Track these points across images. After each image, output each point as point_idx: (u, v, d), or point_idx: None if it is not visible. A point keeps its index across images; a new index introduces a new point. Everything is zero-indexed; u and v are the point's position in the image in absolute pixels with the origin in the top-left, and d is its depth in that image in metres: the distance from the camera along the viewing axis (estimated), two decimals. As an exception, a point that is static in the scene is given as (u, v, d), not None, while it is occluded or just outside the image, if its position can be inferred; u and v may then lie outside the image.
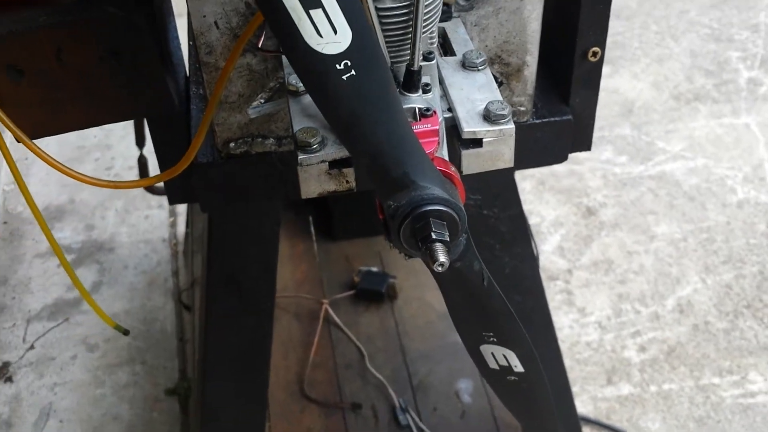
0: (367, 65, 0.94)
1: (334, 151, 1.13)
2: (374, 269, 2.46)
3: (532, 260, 1.98)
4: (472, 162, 1.19)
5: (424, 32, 1.13)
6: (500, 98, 1.19)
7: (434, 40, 1.18)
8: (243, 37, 1.22)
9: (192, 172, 1.40)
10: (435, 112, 1.12)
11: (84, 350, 2.64)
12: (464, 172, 1.20)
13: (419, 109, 1.11)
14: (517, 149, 1.37)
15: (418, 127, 1.09)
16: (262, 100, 1.32)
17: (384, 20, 1.10)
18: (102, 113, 1.33)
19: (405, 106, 1.11)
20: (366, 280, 2.43)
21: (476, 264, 1.13)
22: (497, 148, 1.18)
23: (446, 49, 1.33)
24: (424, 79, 1.16)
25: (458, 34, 1.34)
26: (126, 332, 2.04)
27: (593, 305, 2.73)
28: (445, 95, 1.23)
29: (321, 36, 0.90)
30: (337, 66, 0.92)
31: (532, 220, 2.91)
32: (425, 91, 1.16)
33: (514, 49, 1.41)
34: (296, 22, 0.89)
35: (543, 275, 2.76)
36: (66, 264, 1.38)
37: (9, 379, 2.57)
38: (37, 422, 2.50)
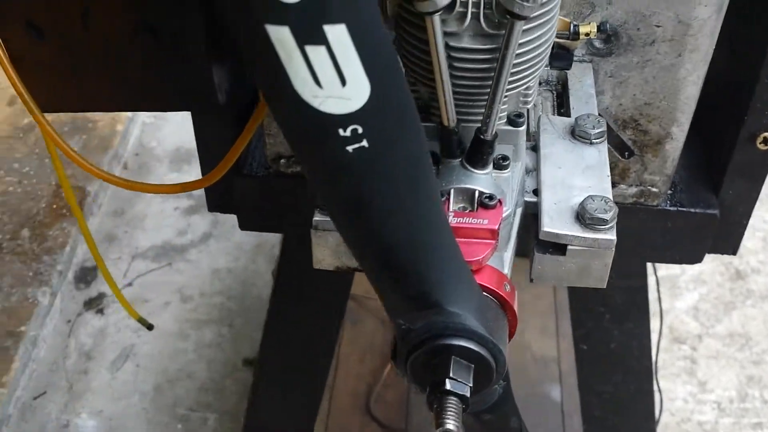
0: (387, 137, 0.57)
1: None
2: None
3: (646, 339, 1.57)
4: (547, 271, 0.81)
5: (511, 89, 0.75)
6: (607, 192, 0.80)
7: (530, 98, 0.80)
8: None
9: (233, 183, 1.08)
10: (501, 202, 0.74)
11: (178, 299, 2.42)
12: (533, 280, 0.82)
13: (480, 194, 0.74)
14: (638, 237, 0.98)
15: (468, 221, 0.72)
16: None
17: (457, 64, 0.73)
18: (130, 98, 1.02)
19: (462, 187, 0.74)
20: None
21: (514, 420, 0.75)
22: (586, 261, 0.79)
23: (562, 102, 0.94)
24: (502, 151, 0.78)
25: (582, 85, 0.94)
26: (150, 327, 1.78)
27: (717, 381, 2.26)
28: (535, 170, 0.84)
29: (320, 86, 0.53)
30: (341, 132, 0.55)
31: (671, 270, 2.45)
32: (500, 167, 0.78)
33: (657, 114, 1.00)
34: (283, 59, 0.52)
35: (668, 335, 2.31)
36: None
37: (100, 311, 2.38)
38: (115, 361, 2.30)
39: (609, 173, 0.83)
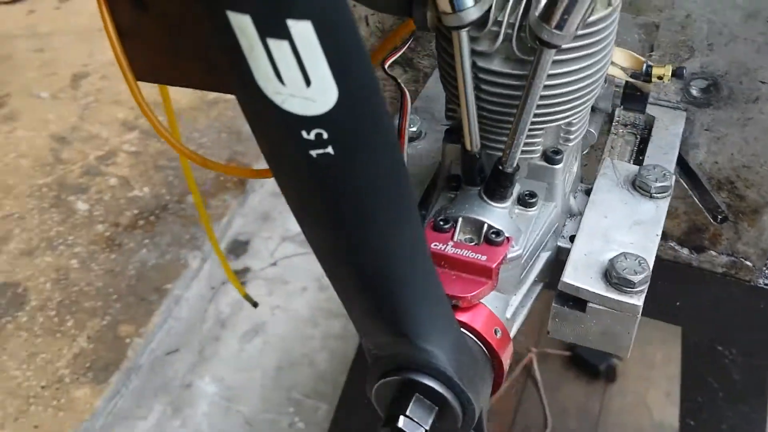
0: (355, 147, 0.53)
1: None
2: (603, 340, 1.98)
3: (761, 427, 1.43)
4: (565, 327, 0.74)
5: (546, 122, 0.70)
6: (648, 253, 0.72)
7: (573, 135, 0.73)
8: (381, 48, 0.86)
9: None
10: (508, 240, 0.69)
11: (315, 287, 2.46)
12: (550, 334, 0.76)
13: (488, 228, 0.69)
14: (720, 312, 0.90)
15: (466, 254, 0.67)
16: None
17: (484, 86, 0.68)
18: (218, 80, 1.04)
19: (470, 217, 0.69)
20: (589, 348, 1.96)
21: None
22: (608, 324, 0.72)
23: (642, 148, 0.87)
24: (531, 186, 0.73)
25: (668, 134, 0.86)
26: (255, 304, 1.80)
27: None
28: (579, 215, 0.78)
29: (282, 83, 0.50)
30: (305, 134, 0.52)
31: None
32: (525, 204, 0.72)
33: (757, 180, 0.90)
34: (244, 49, 0.50)
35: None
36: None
37: (243, 284, 2.47)
38: (246, 334, 2.37)
39: (660, 234, 0.75)
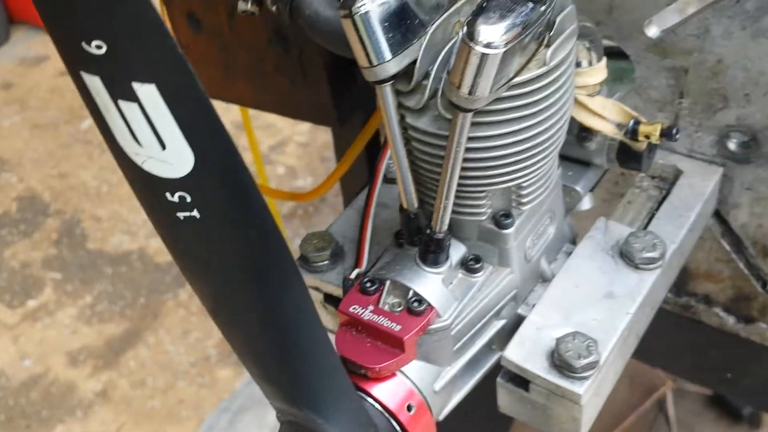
0: (220, 211, 0.51)
1: (339, 280, 0.72)
2: (747, 382, 1.81)
3: None
4: (512, 404, 0.68)
5: (491, 184, 0.63)
6: (611, 334, 0.64)
7: (526, 198, 0.65)
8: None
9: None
10: (431, 310, 0.63)
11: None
12: (500, 409, 0.69)
13: (413, 295, 0.64)
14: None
15: (381, 321, 0.63)
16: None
17: (415, 144, 0.63)
18: (267, 99, 1.04)
19: (397, 281, 0.64)
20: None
21: None
22: (551, 407, 0.65)
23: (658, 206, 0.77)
24: (479, 250, 0.67)
25: (691, 192, 0.76)
26: None
27: None
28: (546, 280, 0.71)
29: (139, 144, 0.48)
30: (168, 197, 0.51)
31: None
32: (468, 270, 0.66)
33: (807, 251, 0.78)
34: (101, 109, 0.49)
35: None
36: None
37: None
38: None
39: (635, 311, 0.66)
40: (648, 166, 0.72)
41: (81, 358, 2.29)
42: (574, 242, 0.75)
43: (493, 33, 0.51)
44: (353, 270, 0.71)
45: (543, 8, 0.54)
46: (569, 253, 0.72)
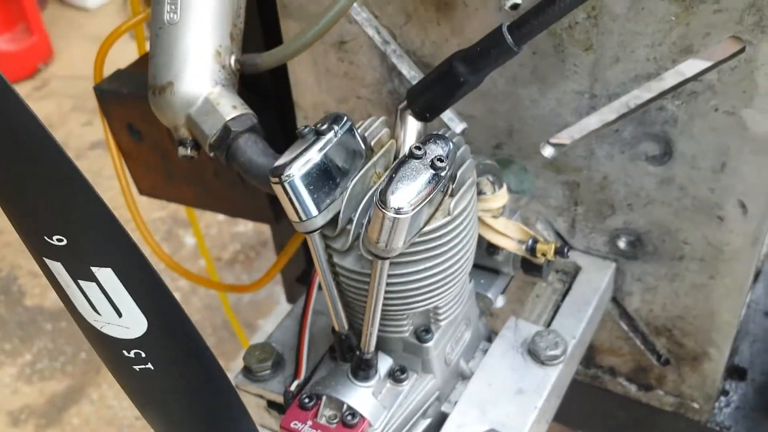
0: (171, 362, 0.60)
1: (281, 389, 0.80)
2: None
3: None
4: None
5: (412, 308, 0.73)
6: (521, 427, 0.74)
7: (443, 315, 0.75)
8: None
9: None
10: (364, 421, 0.72)
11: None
12: None
13: (347, 408, 0.72)
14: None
15: (316, 433, 0.71)
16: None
17: (342, 279, 0.72)
18: (208, 201, 1.12)
19: (331, 396, 0.73)
20: None
21: None
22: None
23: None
24: (405, 362, 0.76)
25: (588, 288, 0.87)
26: None
27: None
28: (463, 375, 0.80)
29: (98, 313, 0.58)
30: (125, 353, 0.60)
31: None
32: (396, 380, 0.75)
33: (692, 331, 0.89)
34: (63, 286, 0.58)
35: None
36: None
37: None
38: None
39: (542, 404, 0.76)
40: (548, 274, 0.82)
41: (23, 417, 2.31)
42: (489, 339, 0.84)
43: (402, 200, 0.61)
44: (293, 380, 0.79)
45: (444, 173, 0.63)
46: (485, 350, 0.82)
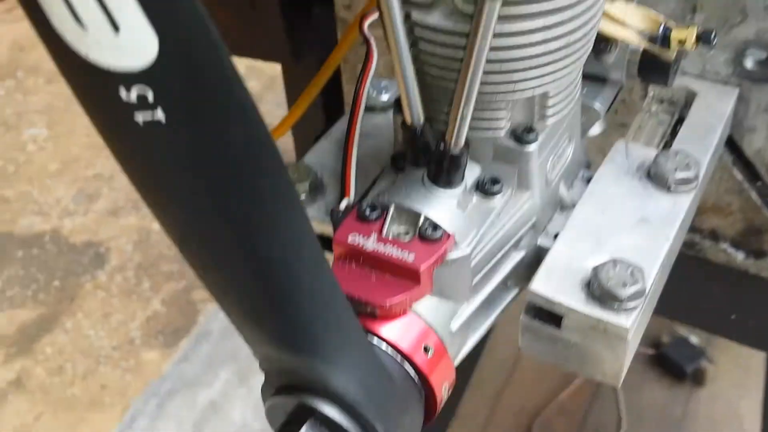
0: (194, 114, 0.38)
1: (323, 215, 0.62)
2: (693, 340, 1.78)
3: None
4: (539, 344, 0.59)
5: (513, 91, 0.54)
6: (653, 262, 0.56)
7: (551, 111, 0.57)
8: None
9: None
10: (449, 236, 0.54)
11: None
12: (522, 351, 0.61)
13: (425, 220, 0.54)
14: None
15: (389, 250, 0.53)
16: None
17: (422, 46, 0.54)
18: (229, 43, 0.93)
19: (403, 205, 0.55)
20: (676, 347, 1.76)
21: None
22: (590, 346, 0.56)
23: (676, 129, 0.70)
24: (496, 171, 0.58)
25: (710, 113, 0.69)
26: None
27: None
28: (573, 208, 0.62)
29: (82, 25, 0.35)
30: (123, 94, 0.38)
31: None
32: (485, 192, 0.57)
33: (827, 176, 0.71)
34: None
35: None
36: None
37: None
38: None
39: (674, 237, 0.58)
40: (673, 80, 0.64)
41: (-9, 346, 2.12)
42: (589, 167, 0.67)
43: None
44: (339, 202, 0.61)
45: None
46: (587, 179, 0.64)
